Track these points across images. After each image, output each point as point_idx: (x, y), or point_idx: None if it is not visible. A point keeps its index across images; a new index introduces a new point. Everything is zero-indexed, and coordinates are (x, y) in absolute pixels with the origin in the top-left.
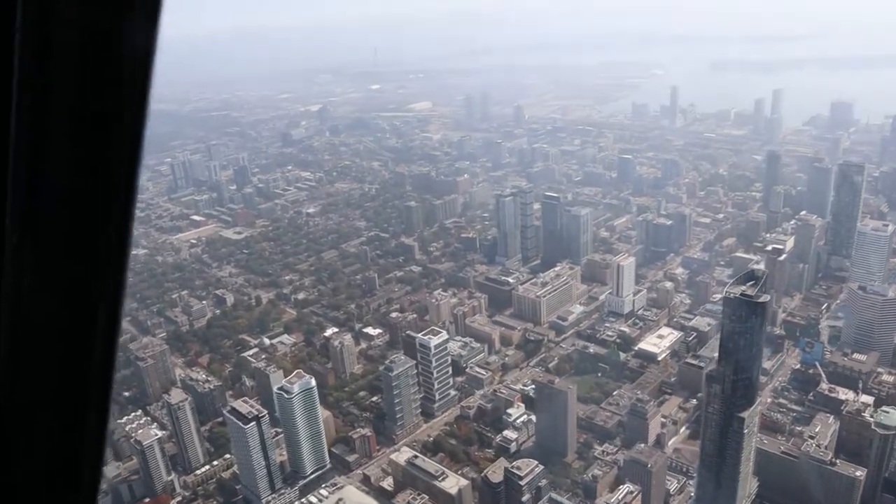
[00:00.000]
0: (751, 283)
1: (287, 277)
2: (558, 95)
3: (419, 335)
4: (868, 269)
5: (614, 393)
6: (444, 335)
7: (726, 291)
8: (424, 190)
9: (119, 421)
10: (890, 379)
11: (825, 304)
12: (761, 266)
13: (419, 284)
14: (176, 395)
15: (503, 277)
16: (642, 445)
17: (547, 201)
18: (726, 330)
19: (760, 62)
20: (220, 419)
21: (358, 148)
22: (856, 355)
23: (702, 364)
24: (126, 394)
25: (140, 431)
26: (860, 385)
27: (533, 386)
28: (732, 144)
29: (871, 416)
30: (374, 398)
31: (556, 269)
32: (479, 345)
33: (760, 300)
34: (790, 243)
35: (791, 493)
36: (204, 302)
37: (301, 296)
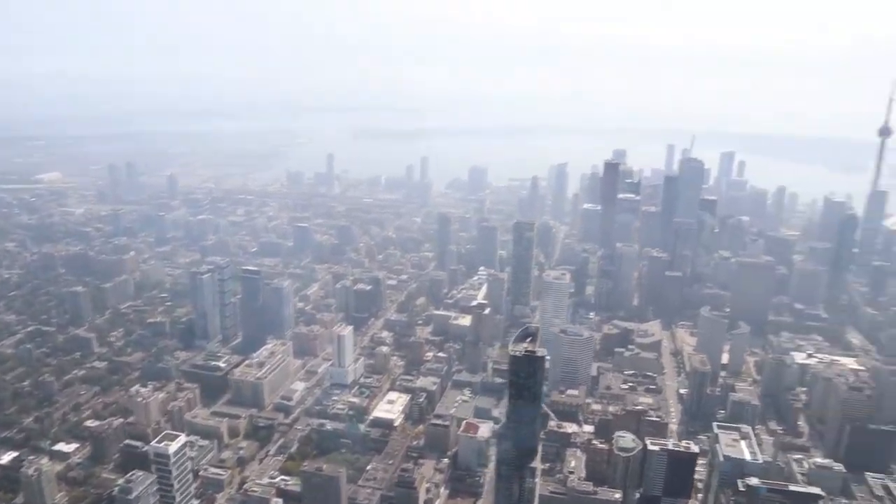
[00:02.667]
0: (528, 339)
1: None
2: (208, 163)
3: (153, 443)
4: (554, 313)
5: (368, 468)
6: (182, 438)
7: (511, 350)
8: (83, 272)
9: None
10: (598, 407)
11: None
12: (464, 322)
13: (110, 382)
14: None
15: (212, 362)
16: None
17: (247, 276)
18: (513, 386)
19: (398, 131)
20: None
21: None
22: (570, 391)
23: (447, 424)
24: None
25: None
26: (580, 417)
27: (283, 478)
28: (392, 208)
29: (601, 444)
30: None
31: (269, 346)
32: (206, 442)
33: (539, 355)
34: (481, 297)
35: None
36: None
37: None
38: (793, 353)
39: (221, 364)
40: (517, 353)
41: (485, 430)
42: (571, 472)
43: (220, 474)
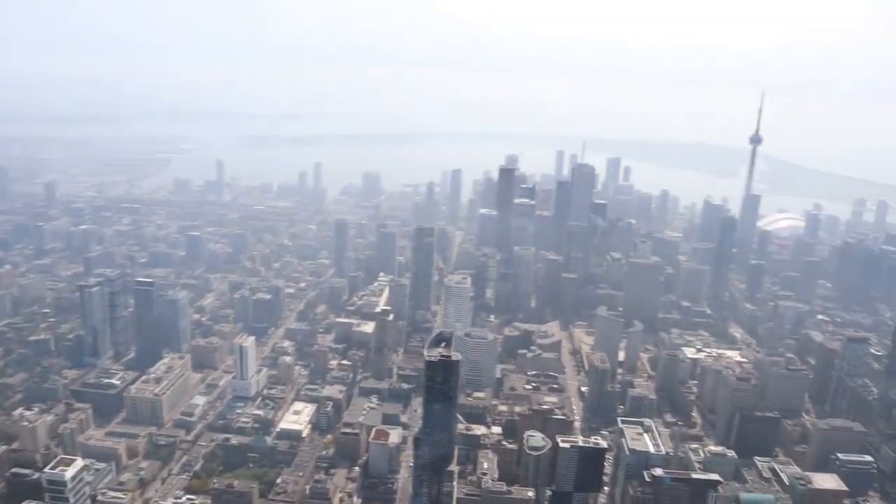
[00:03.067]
0: (442, 344)
1: None
2: (89, 171)
3: (46, 469)
4: (457, 317)
5: (278, 481)
6: (80, 462)
7: (427, 356)
8: None
9: None
10: (504, 409)
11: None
12: (367, 328)
13: None
14: None
15: (105, 380)
16: None
17: (140, 288)
18: (429, 392)
19: (286, 137)
20: None
21: None
22: (476, 394)
23: (357, 432)
24: None
25: None
26: (488, 419)
27: (189, 497)
28: (286, 215)
29: (510, 444)
30: None
31: (165, 360)
32: (103, 464)
33: (454, 359)
34: (383, 303)
35: None
36: None
37: None
38: (683, 348)
39: (115, 381)
40: (433, 359)
41: (395, 436)
42: (485, 474)
43: (120, 498)
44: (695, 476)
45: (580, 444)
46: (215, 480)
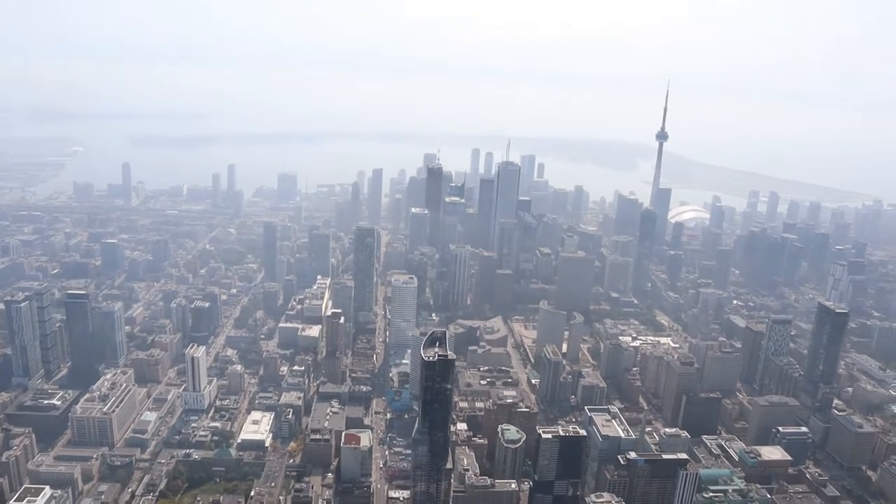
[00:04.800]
0: (437, 344)
1: None
2: None
3: (11, 502)
4: (403, 317)
5: (252, 494)
6: (48, 491)
7: (426, 356)
8: None
9: None
10: (465, 405)
11: (373, 357)
12: (313, 332)
13: None
14: None
15: (45, 401)
16: None
17: (72, 301)
18: (427, 391)
19: (186, 138)
20: None
21: None
22: None
23: (327, 438)
24: None
25: None
26: (453, 416)
27: None
28: (202, 219)
29: (480, 439)
30: None
31: (108, 376)
32: (59, 491)
33: (450, 357)
34: (326, 306)
35: None
36: None
37: None
38: (620, 337)
39: (56, 402)
40: (430, 359)
41: (365, 439)
42: (467, 470)
43: None
44: (665, 457)
45: (560, 433)
46: (199, 499)
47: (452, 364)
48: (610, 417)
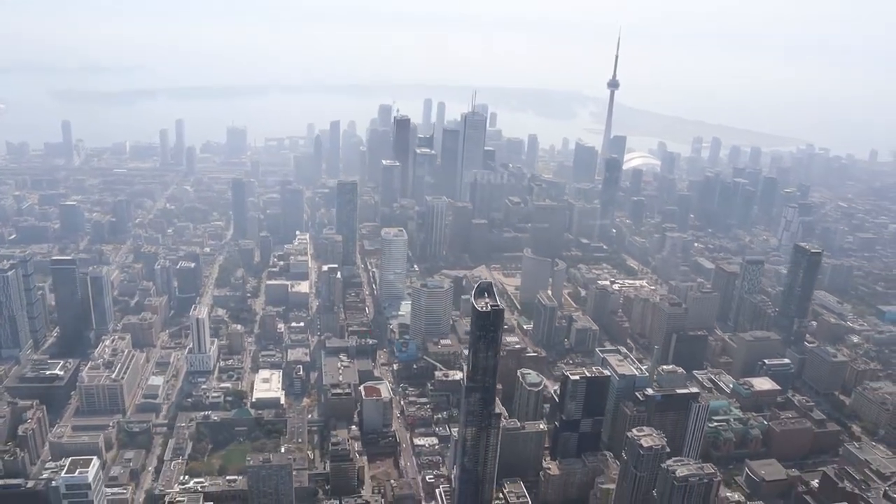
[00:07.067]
0: (485, 294)
1: None
2: None
3: (63, 474)
4: (394, 268)
5: (282, 450)
6: (96, 461)
7: (478, 307)
8: None
9: None
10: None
11: (364, 310)
12: (303, 288)
13: None
14: None
15: (47, 372)
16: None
17: (59, 267)
18: (478, 340)
19: (117, 92)
20: None
21: None
22: (443, 341)
23: (349, 391)
24: None
25: None
26: (461, 364)
27: (197, 481)
28: (155, 178)
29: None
30: None
31: (107, 343)
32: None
33: (500, 307)
34: (310, 261)
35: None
36: None
37: None
38: (598, 282)
39: (59, 372)
40: (483, 309)
41: (384, 391)
42: (498, 414)
43: (121, 493)
44: (679, 392)
45: (587, 374)
46: (250, 458)
47: (502, 313)
48: (622, 357)
